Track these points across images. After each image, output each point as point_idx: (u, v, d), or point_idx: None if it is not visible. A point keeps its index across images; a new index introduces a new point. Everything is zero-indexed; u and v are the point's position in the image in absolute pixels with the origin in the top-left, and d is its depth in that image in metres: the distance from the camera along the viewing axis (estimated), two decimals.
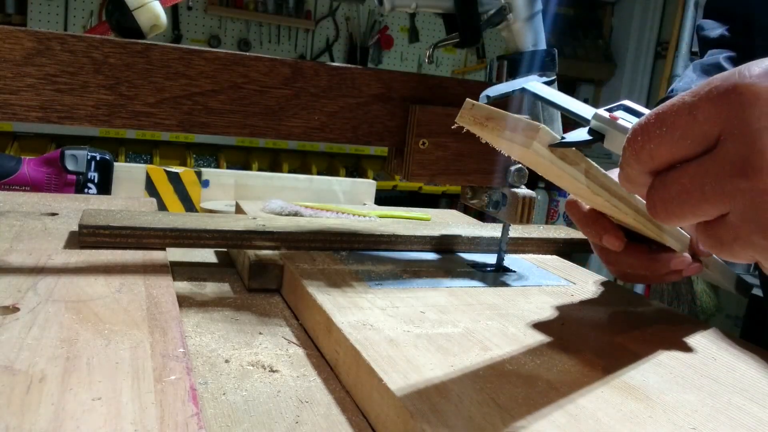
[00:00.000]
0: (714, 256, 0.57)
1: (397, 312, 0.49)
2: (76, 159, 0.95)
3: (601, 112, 0.42)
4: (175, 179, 1.04)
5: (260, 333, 0.50)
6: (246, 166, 3.20)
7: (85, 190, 0.96)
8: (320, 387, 0.42)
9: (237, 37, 3.45)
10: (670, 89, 0.84)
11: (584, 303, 0.58)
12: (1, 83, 0.49)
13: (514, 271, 0.66)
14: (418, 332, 0.45)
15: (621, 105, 0.44)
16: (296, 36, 3.57)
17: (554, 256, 0.76)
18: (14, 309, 0.42)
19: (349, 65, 0.59)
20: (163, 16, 0.59)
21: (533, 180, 0.64)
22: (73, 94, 0.51)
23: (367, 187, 1.14)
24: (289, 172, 3.14)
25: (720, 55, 0.85)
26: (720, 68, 0.82)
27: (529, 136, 0.39)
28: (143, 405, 0.32)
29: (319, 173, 3.30)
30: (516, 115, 0.39)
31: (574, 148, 0.41)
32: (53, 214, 0.70)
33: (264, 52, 3.43)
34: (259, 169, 3.13)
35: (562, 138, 0.41)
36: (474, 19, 0.65)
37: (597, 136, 0.42)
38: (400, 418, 0.34)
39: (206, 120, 0.54)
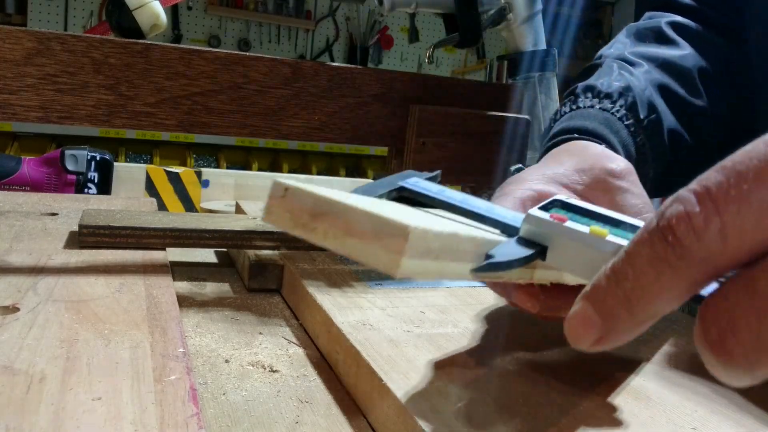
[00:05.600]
0: None
1: (397, 312, 0.49)
2: (76, 159, 0.95)
3: (537, 213, 0.31)
4: (175, 179, 1.04)
5: (260, 333, 0.50)
6: (246, 166, 3.20)
7: (85, 190, 0.96)
8: (320, 387, 0.42)
9: (237, 37, 3.45)
10: (597, 55, 0.67)
11: None
12: (1, 83, 0.49)
13: None
14: (419, 332, 0.45)
15: (555, 201, 0.34)
16: (296, 36, 3.57)
17: None
18: (14, 309, 0.42)
19: (349, 65, 0.59)
20: (163, 16, 0.59)
21: None
22: (73, 94, 0.51)
23: None
24: (289, 172, 3.14)
25: (662, 19, 0.70)
26: (661, 34, 0.68)
27: (393, 248, 0.23)
28: (143, 405, 0.32)
29: (319, 173, 3.30)
30: (366, 206, 0.24)
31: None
32: (53, 214, 0.70)
33: (264, 52, 3.43)
34: (259, 169, 3.14)
35: (488, 258, 0.28)
36: (474, 19, 0.65)
37: (535, 248, 0.31)
38: (400, 418, 0.34)
39: (206, 120, 0.54)
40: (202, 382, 0.41)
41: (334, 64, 0.58)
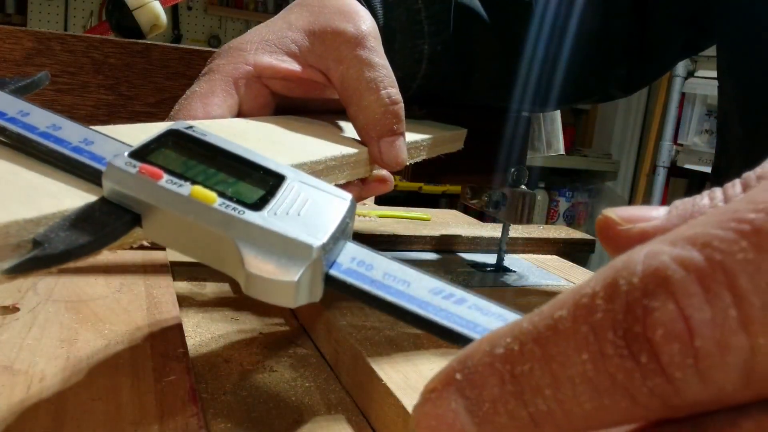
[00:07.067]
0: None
1: None
2: None
3: (121, 163, 0.21)
4: None
5: (260, 333, 0.50)
6: None
7: None
8: (320, 387, 0.42)
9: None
10: None
11: None
12: None
13: (514, 271, 0.66)
14: (419, 332, 0.45)
15: (168, 134, 0.24)
16: None
17: (554, 256, 0.76)
18: (14, 309, 0.42)
19: None
20: (163, 16, 0.59)
21: (533, 180, 0.64)
22: (73, 94, 0.51)
23: None
24: None
25: None
26: None
27: None
28: (143, 405, 0.32)
29: None
30: None
31: None
32: None
33: None
34: None
35: (35, 247, 0.20)
36: None
37: (123, 218, 0.22)
38: (400, 418, 0.34)
39: None
40: (202, 382, 0.41)
41: None
